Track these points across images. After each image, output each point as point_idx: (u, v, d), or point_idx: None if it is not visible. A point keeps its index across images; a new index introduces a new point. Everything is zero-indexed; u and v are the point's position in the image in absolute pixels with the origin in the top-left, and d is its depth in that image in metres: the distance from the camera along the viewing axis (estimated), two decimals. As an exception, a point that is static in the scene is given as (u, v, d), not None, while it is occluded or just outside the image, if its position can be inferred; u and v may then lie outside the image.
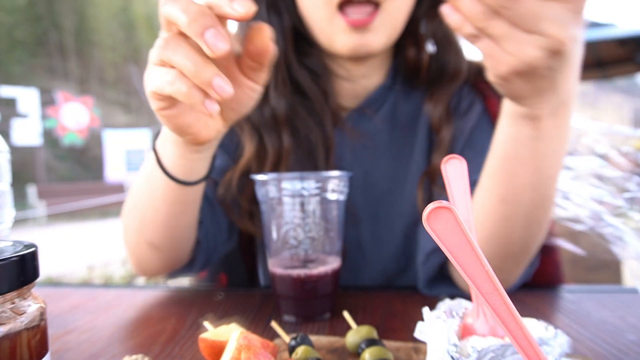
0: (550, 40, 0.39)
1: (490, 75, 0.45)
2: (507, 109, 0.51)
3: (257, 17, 0.75)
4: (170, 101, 0.46)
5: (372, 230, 0.74)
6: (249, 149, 0.72)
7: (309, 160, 0.73)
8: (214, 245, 0.71)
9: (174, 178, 0.55)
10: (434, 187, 0.71)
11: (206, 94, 0.42)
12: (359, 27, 0.64)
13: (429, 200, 0.71)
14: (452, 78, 0.74)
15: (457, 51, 0.75)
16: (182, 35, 0.41)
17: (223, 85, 0.41)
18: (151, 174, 0.57)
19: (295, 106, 0.74)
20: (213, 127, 0.51)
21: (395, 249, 0.74)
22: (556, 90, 0.45)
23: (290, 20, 0.74)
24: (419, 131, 0.75)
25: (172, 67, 0.42)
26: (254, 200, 0.67)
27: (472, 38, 0.43)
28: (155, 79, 0.43)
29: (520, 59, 0.41)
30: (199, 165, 0.56)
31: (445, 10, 0.43)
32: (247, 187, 0.71)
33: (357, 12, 0.63)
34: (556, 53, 0.40)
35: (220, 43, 0.39)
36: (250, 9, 0.40)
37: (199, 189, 0.60)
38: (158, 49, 0.42)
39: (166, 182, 0.56)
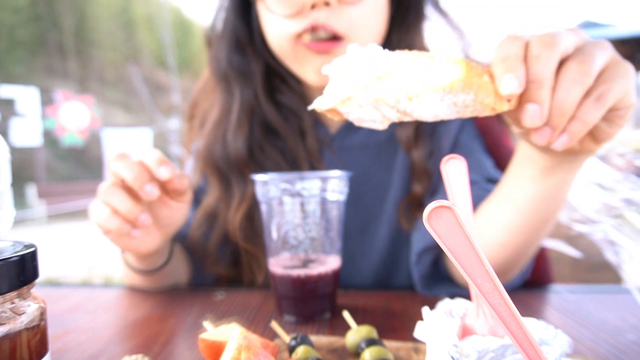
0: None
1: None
2: (538, 164, 0.50)
3: (219, 61, 0.77)
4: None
5: (362, 240, 0.75)
6: (212, 192, 0.76)
7: None
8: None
9: (137, 270, 0.68)
10: (416, 214, 0.72)
11: (134, 225, 0.59)
12: (322, 53, 0.65)
13: (410, 216, 0.72)
14: None
15: None
16: (119, 184, 0.58)
17: (145, 219, 0.58)
18: (126, 268, 0.70)
19: (263, 146, 0.75)
20: (151, 242, 0.63)
21: (383, 254, 0.75)
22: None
23: (261, 61, 0.76)
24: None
25: (109, 206, 0.57)
26: (223, 245, 0.74)
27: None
28: (97, 214, 0.58)
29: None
30: (156, 258, 0.67)
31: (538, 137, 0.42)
32: (213, 232, 0.75)
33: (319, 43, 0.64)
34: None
35: (153, 192, 0.57)
36: (172, 173, 0.58)
37: (169, 264, 0.70)
38: (101, 193, 0.58)
39: (136, 273, 0.69)
